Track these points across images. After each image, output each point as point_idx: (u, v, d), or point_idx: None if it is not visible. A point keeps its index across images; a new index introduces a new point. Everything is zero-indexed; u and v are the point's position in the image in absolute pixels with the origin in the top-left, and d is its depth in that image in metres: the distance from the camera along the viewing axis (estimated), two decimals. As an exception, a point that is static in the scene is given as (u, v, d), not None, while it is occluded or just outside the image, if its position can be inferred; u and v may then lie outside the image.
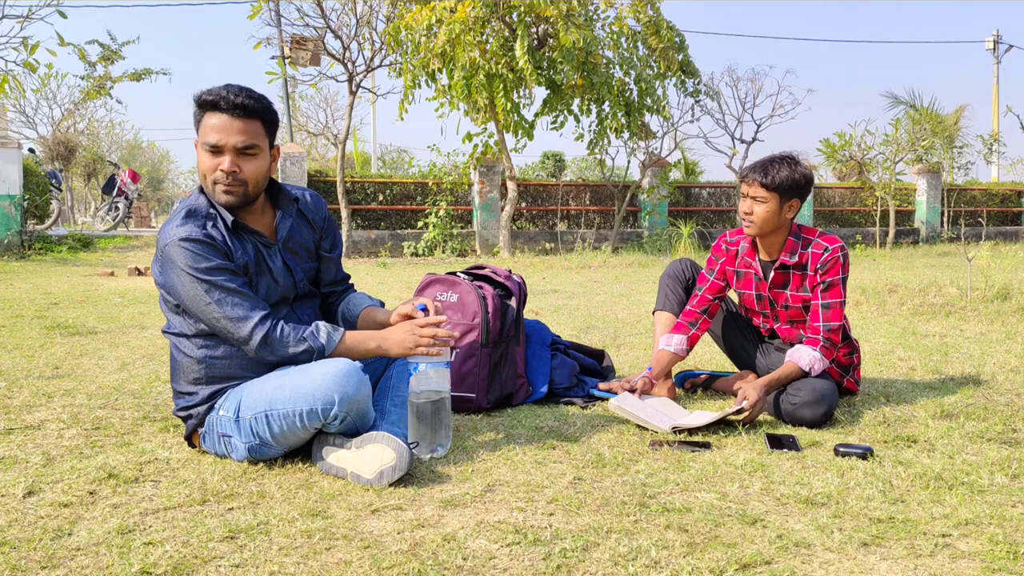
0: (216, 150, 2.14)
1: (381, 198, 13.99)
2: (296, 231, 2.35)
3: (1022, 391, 3.09)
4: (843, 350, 2.92)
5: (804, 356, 2.71)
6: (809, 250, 2.80)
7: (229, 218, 2.19)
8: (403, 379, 2.34)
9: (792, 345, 2.87)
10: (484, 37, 11.69)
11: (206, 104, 2.15)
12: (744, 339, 3.09)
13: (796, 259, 2.80)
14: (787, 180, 2.71)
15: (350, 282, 2.55)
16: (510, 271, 3.00)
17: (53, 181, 13.23)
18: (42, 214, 12.55)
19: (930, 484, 2.04)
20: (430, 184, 13.84)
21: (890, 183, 15.98)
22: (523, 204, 14.70)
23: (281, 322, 2.14)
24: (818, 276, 2.77)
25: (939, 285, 6.56)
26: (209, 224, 2.16)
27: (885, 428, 2.58)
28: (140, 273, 9.29)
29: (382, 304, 2.50)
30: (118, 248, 12.15)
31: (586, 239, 14.17)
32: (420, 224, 13.78)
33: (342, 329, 2.20)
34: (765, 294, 2.89)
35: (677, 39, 12.99)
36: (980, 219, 18.03)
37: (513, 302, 2.86)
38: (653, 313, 3.15)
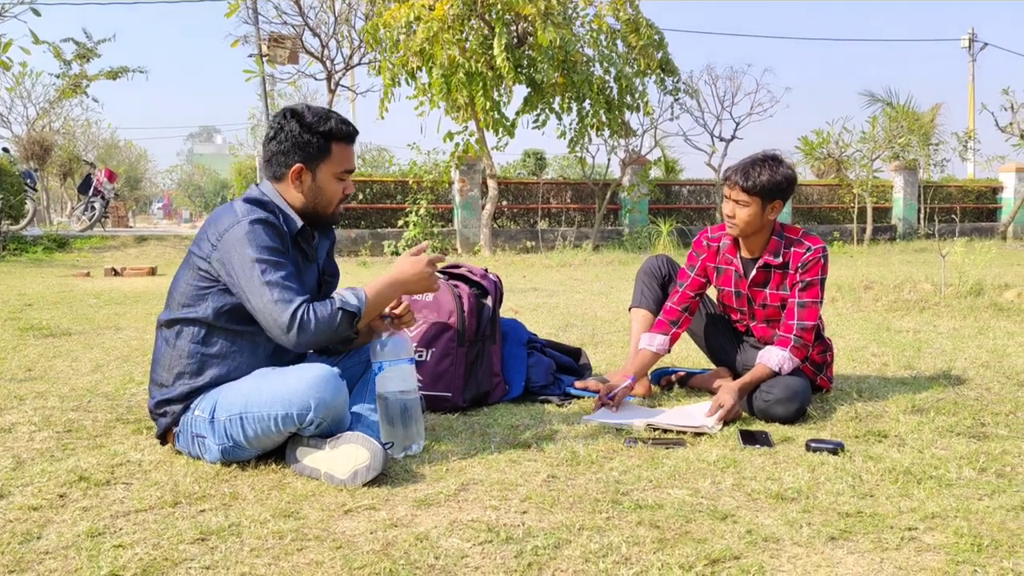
0: (349, 173, 2.31)
1: (361, 197, 13.93)
2: (327, 255, 2.46)
3: (992, 386, 3.13)
4: (816, 348, 2.94)
5: (773, 357, 2.73)
6: (792, 248, 2.81)
7: (300, 222, 2.27)
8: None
9: (766, 344, 2.90)
10: (464, 35, 11.68)
11: (347, 138, 2.28)
12: (723, 338, 3.11)
13: (780, 259, 2.81)
14: (768, 183, 2.71)
15: None
16: (486, 270, 3.00)
17: (28, 181, 13.07)
18: (16, 214, 12.40)
19: (899, 478, 2.07)
20: (410, 183, 13.80)
21: (867, 180, 16.13)
22: (504, 202, 14.71)
23: (312, 305, 2.10)
24: (798, 275, 2.79)
25: (914, 281, 6.64)
26: (274, 218, 2.21)
27: (856, 423, 2.61)
28: (116, 273, 9.21)
29: None
30: (94, 248, 12.03)
31: (567, 237, 14.19)
32: (400, 223, 13.75)
33: (360, 288, 2.19)
34: (744, 292, 2.90)
35: (656, 37, 13.04)
36: (954, 215, 18.25)
37: (489, 301, 2.87)
38: (629, 310, 3.17)
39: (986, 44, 28.86)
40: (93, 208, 14.22)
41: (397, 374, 2.22)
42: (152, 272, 9.35)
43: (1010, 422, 2.62)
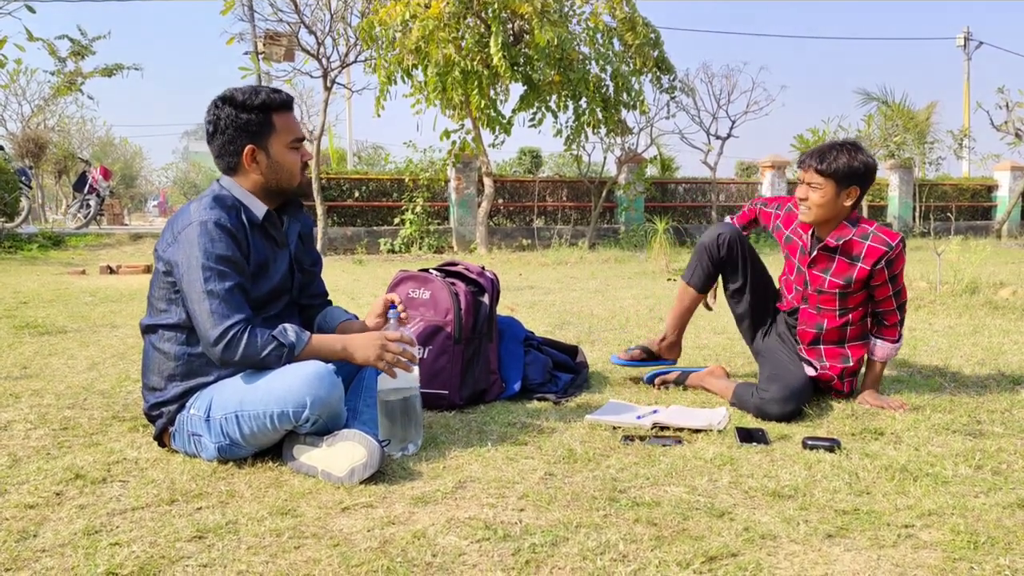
0: (300, 142, 2.29)
1: (357, 195, 13.91)
2: (298, 241, 2.43)
3: (988, 384, 3.14)
4: (859, 354, 2.90)
5: (885, 352, 2.89)
6: (867, 242, 2.75)
7: (264, 209, 2.25)
8: (376, 379, 2.33)
9: (803, 331, 2.93)
10: (460, 33, 11.66)
11: (283, 105, 2.25)
12: (754, 318, 3.10)
13: (841, 242, 2.77)
14: (844, 167, 2.69)
15: (328, 298, 2.57)
16: (483, 268, 3.00)
17: (23, 178, 13.01)
18: (11, 212, 12.36)
19: (895, 476, 2.07)
20: (406, 181, 13.79)
21: (863, 179, 16.13)
22: (500, 200, 14.69)
23: (252, 327, 2.10)
24: (886, 271, 2.76)
25: (910, 279, 6.65)
26: (234, 214, 2.19)
27: (853, 421, 2.62)
28: (112, 271, 9.19)
29: (357, 319, 2.51)
30: (89, 246, 11.99)
31: (563, 235, 14.19)
32: (396, 221, 13.72)
33: (308, 332, 2.18)
34: (804, 268, 2.89)
35: (652, 35, 13.03)
36: (949, 213, 18.29)
37: (486, 298, 2.86)
38: (681, 279, 3.19)
39: (981, 43, 28.91)
40: (88, 206, 14.18)
41: (400, 373, 2.22)
42: (147, 270, 9.32)
43: (1006, 420, 2.62)
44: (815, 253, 2.84)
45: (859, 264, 2.77)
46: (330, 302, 2.58)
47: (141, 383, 2.32)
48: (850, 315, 2.86)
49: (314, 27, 12.45)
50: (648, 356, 3.24)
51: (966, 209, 19.40)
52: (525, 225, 14.84)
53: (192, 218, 2.14)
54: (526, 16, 11.42)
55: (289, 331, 2.14)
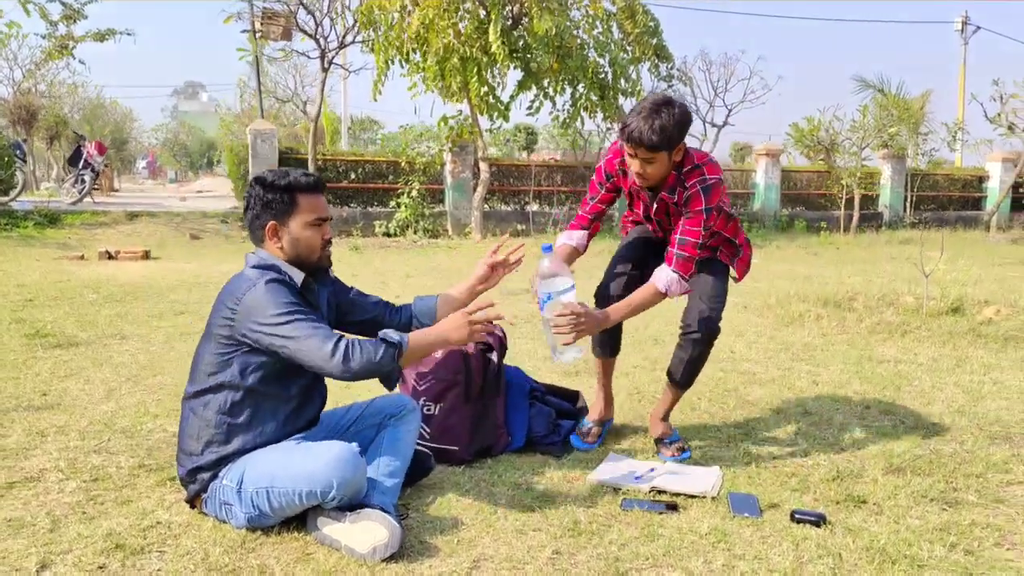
0: (322, 222, 2.45)
1: (353, 176, 13.96)
2: (329, 305, 2.61)
3: (965, 439, 3.31)
4: (730, 228, 3.11)
5: (660, 278, 2.84)
6: (687, 184, 2.81)
7: (301, 276, 2.42)
8: (392, 448, 2.49)
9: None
10: (458, 18, 11.63)
11: (309, 187, 2.42)
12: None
13: (676, 197, 2.86)
14: (669, 136, 2.67)
15: (384, 300, 2.76)
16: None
17: (18, 152, 12.98)
18: (6, 187, 12.35)
19: (875, 558, 2.24)
20: (402, 164, 13.83)
21: (856, 169, 16.27)
22: (495, 183, 14.76)
23: (354, 339, 2.26)
24: (701, 198, 2.80)
25: (896, 294, 6.83)
26: (282, 277, 2.36)
27: (837, 485, 2.78)
28: (111, 257, 9.26)
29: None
30: (86, 224, 12.02)
31: (558, 221, 14.29)
32: (392, 204, 13.78)
33: (404, 334, 2.34)
34: (652, 216, 3.08)
35: (652, 23, 13.05)
36: (941, 207, 18.46)
37: (494, 356, 3.00)
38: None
39: (979, 27, 28.90)
40: (83, 181, 14.16)
41: (564, 300, 2.66)
42: (146, 256, 9.39)
43: (980, 486, 2.80)
44: (655, 205, 2.99)
45: (688, 192, 2.82)
46: (388, 302, 2.76)
47: (177, 448, 2.45)
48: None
49: (312, 7, 12.39)
50: (602, 426, 3.27)
51: (957, 199, 19.59)
52: (520, 209, 14.93)
53: (253, 281, 2.31)
54: (525, 3, 11.40)
55: (391, 334, 2.31)
